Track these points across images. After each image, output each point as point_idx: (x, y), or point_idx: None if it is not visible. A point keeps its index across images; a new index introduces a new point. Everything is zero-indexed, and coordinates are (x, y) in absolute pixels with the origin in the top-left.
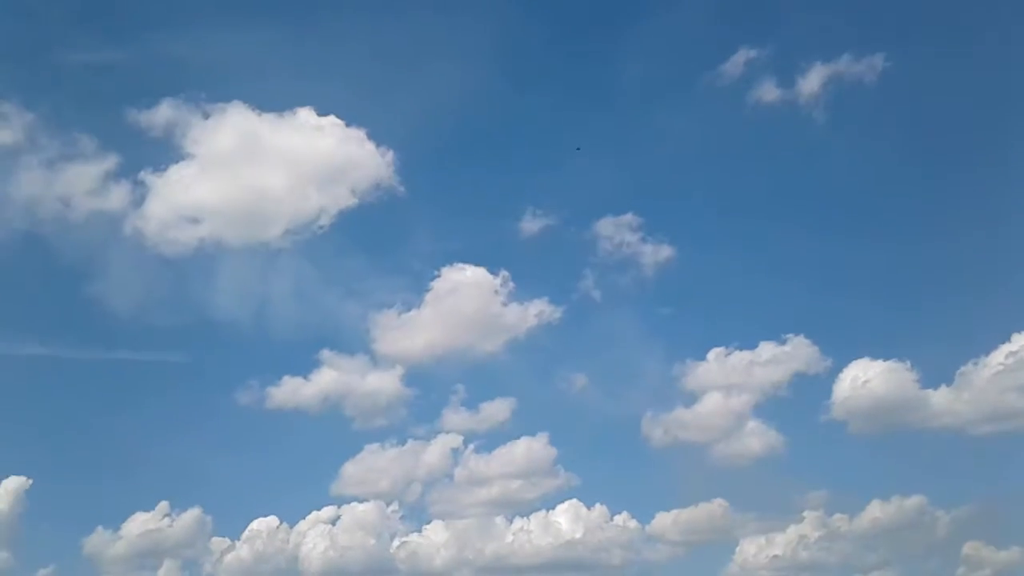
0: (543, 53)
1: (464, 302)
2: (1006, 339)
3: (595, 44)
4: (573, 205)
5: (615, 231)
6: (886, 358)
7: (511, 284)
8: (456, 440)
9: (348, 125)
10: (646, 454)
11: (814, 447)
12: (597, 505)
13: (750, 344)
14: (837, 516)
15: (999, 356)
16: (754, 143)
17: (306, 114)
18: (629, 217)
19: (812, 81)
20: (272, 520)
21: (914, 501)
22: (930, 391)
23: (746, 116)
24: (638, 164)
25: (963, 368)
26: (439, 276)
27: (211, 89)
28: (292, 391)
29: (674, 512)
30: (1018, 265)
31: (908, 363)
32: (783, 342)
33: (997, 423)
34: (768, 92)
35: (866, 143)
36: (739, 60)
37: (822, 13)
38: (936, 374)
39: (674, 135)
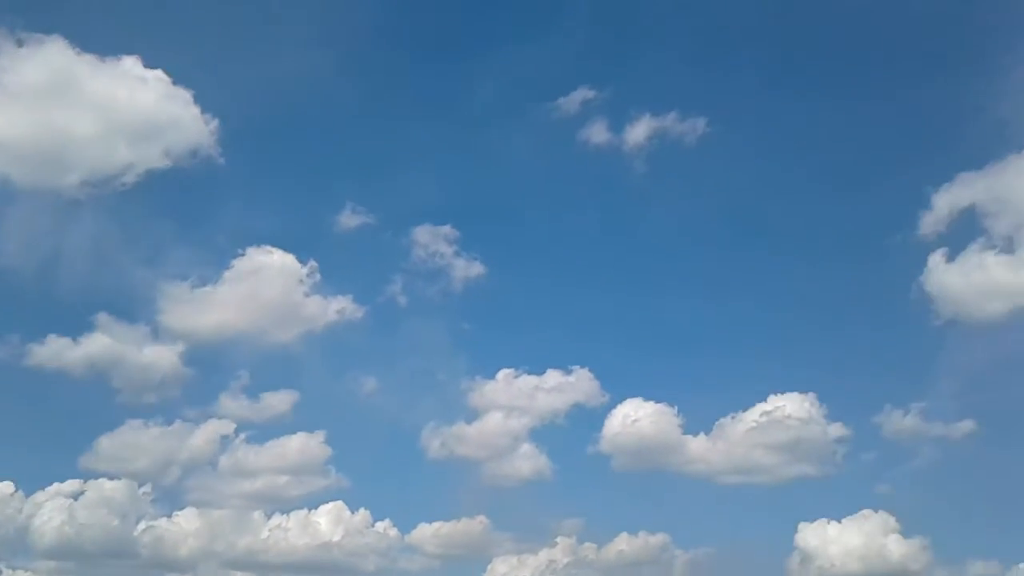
0: (392, 58)
1: (265, 286)
2: (763, 399)
3: (445, 60)
4: (394, 208)
5: (432, 240)
6: (657, 401)
7: (317, 276)
8: (228, 427)
9: (175, 83)
10: (420, 465)
11: (578, 476)
12: (361, 509)
13: (538, 369)
14: (587, 545)
15: (754, 414)
16: (577, 179)
17: (131, 63)
18: (447, 229)
19: (639, 131)
20: (7, 486)
21: (658, 538)
22: (690, 437)
23: (574, 152)
24: (464, 179)
25: (722, 420)
26: (243, 255)
27: (31, 16)
28: (56, 351)
29: (436, 524)
30: (784, 332)
31: (676, 408)
32: (569, 372)
33: (743, 475)
34: (598, 133)
35: (678, 199)
36: (577, 98)
37: (659, 68)
38: (698, 422)
39: (504, 158)
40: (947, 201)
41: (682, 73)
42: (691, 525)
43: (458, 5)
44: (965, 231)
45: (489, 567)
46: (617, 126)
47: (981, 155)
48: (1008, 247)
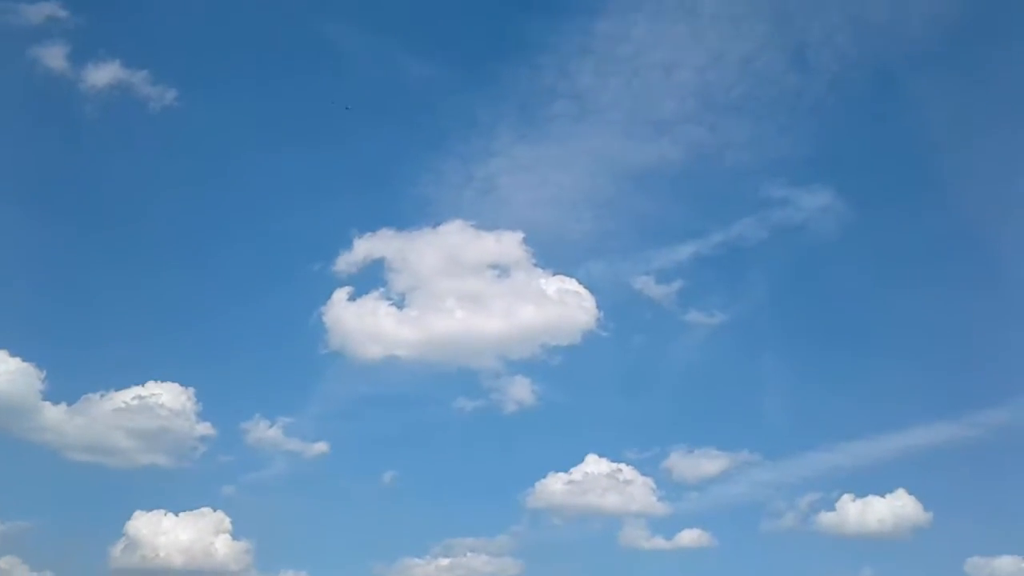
0: None
1: None
2: (141, 383)
3: None
4: None
5: None
6: (26, 359)
7: None
8: None
9: None
10: None
11: None
12: None
13: None
14: None
15: (127, 395)
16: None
17: None
18: None
19: (103, 76)
20: None
21: None
22: (49, 404)
23: (18, 67)
24: None
25: (91, 395)
26: None
27: None
28: None
29: None
30: (176, 324)
31: (44, 372)
32: None
33: (95, 455)
34: (54, 58)
35: (129, 157)
36: (43, 11)
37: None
38: (63, 391)
39: None
40: (365, 248)
41: (173, 35)
42: (17, 497)
43: None
44: (371, 278)
45: None
46: (79, 60)
47: (404, 219)
48: (400, 303)
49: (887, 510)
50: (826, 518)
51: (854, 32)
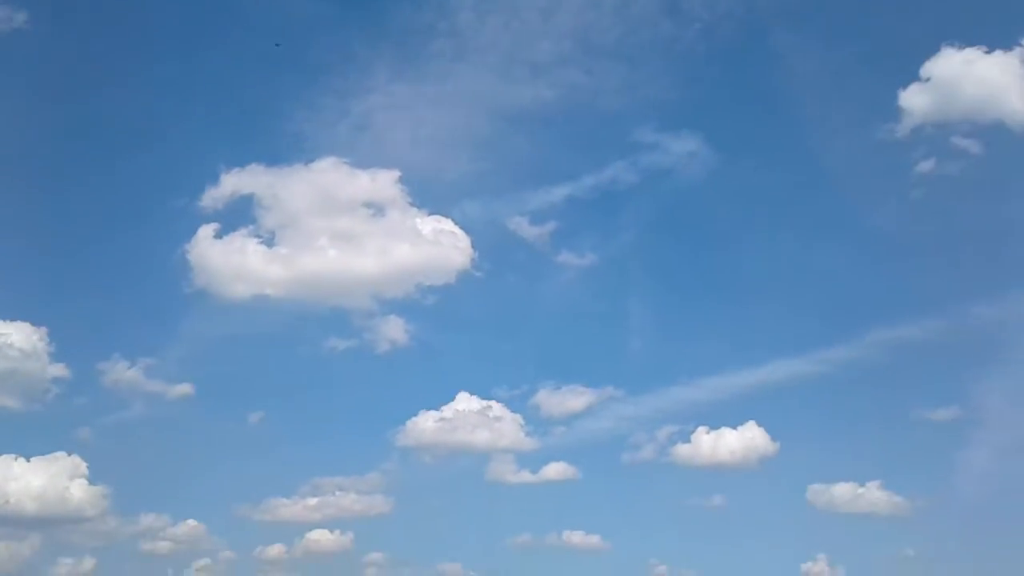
0: None
1: None
2: None
3: None
4: None
5: None
6: None
7: None
8: None
9: None
10: None
11: None
12: None
13: None
14: None
15: None
16: None
17: None
18: None
19: None
20: None
21: None
22: None
23: None
24: None
25: None
26: None
27: None
28: None
29: None
30: (28, 260)
31: None
32: None
33: None
34: None
35: None
36: None
37: None
38: None
39: None
40: (233, 183)
41: None
42: None
43: None
44: (239, 215)
45: None
46: None
47: (276, 154)
48: (270, 240)
49: (738, 441)
50: (682, 449)
51: None
